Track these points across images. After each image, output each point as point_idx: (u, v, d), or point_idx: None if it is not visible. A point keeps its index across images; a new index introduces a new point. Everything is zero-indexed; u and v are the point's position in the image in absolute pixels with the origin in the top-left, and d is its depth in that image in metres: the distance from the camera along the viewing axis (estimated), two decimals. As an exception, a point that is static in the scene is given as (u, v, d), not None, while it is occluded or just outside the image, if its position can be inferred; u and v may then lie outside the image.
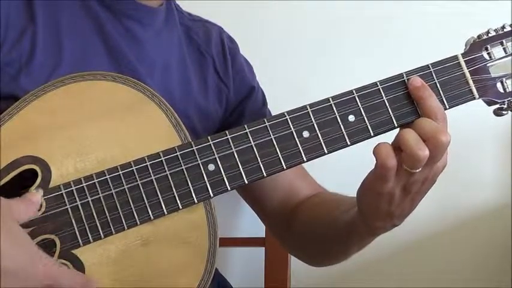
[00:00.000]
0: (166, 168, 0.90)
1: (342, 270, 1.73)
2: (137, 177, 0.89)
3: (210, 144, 0.91)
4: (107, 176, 0.89)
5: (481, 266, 1.85)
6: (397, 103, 0.95)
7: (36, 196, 0.86)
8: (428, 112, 0.92)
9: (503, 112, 1.00)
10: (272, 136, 0.92)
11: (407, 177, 0.91)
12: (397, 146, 0.90)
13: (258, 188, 1.19)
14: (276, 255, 1.70)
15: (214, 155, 0.91)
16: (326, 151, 0.93)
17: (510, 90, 0.99)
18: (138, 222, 0.89)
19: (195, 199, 0.91)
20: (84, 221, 0.88)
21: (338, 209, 1.08)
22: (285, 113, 0.93)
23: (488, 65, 0.98)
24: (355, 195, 0.98)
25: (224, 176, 0.91)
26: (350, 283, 1.87)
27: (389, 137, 0.94)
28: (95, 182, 0.88)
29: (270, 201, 1.20)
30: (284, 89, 1.76)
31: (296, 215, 1.17)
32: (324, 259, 1.17)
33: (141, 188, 0.89)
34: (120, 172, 0.89)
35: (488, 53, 0.99)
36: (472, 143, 1.80)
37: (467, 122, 1.59)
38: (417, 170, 0.90)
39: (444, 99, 0.96)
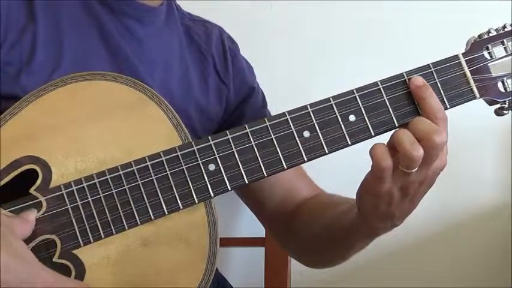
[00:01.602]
0: (166, 168, 0.90)
1: (342, 270, 1.73)
2: (138, 177, 0.89)
3: (210, 144, 0.91)
4: (108, 176, 0.89)
5: (481, 266, 1.85)
6: (398, 103, 0.95)
7: (31, 215, 0.85)
8: (428, 112, 0.92)
9: (504, 112, 1.00)
10: (273, 136, 0.92)
11: (404, 177, 0.91)
12: (393, 146, 0.90)
13: (257, 190, 1.19)
14: (276, 255, 1.70)
15: (214, 155, 0.91)
16: (327, 151, 0.93)
17: (511, 89, 0.99)
18: (139, 222, 0.89)
19: (195, 199, 0.90)
20: (85, 221, 0.88)
21: (338, 211, 1.08)
22: (286, 113, 0.93)
23: (489, 64, 0.98)
24: (355, 196, 0.98)
25: (225, 176, 0.91)
26: (350, 283, 1.87)
27: (389, 137, 0.94)
28: (95, 182, 0.88)
29: (269, 203, 1.20)
30: (284, 89, 1.76)
31: (295, 217, 1.17)
32: (324, 261, 1.17)
33: (142, 188, 0.89)
34: (121, 172, 0.89)
35: (489, 53, 0.99)
36: (472, 143, 1.80)
37: (467, 122, 1.59)
38: (413, 170, 0.90)
39: (445, 98, 0.96)
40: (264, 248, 1.73)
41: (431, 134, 0.89)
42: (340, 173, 1.70)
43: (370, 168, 0.93)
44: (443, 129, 0.91)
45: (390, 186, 0.91)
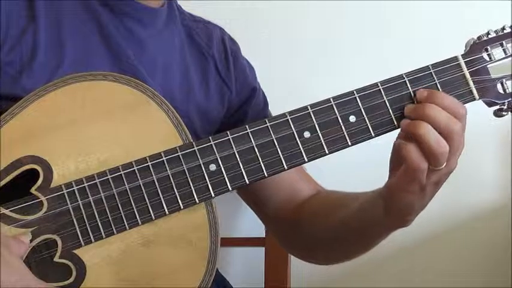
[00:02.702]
0: (167, 168, 0.90)
1: (342, 270, 1.74)
2: (139, 177, 0.89)
3: (211, 144, 0.91)
4: (108, 176, 0.89)
5: (481, 266, 1.85)
6: (398, 103, 0.95)
7: (25, 238, 0.86)
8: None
9: (503, 113, 1.00)
10: (273, 136, 0.92)
11: (435, 173, 0.93)
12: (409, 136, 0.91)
13: (259, 189, 1.19)
14: (276, 255, 1.70)
15: (215, 155, 0.91)
16: (327, 151, 0.93)
17: (510, 91, 0.99)
18: (140, 222, 0.89)
19: (196, 199, 0.91)
20: (86, 221, 0.88)
21: (353, 208, 1.06)
22: (286, 114, 0.93)
23: (488, 66, 0.98)
24: (380, 197, 0.98)
25: (225, 176, 0.91)
26: (350, 283, 1.87)
27: (390, 137, 0.95)
28: (96, 182, 0.88)
29: (271, 202, 1.20)
30: (284, 89, 1.77)
31: (299, 215, 1.16)
32: (341, 256, 1.16)
33: (143, 188, 0.89)
34: (122, 172, 0.89)
35: (488, 54, 0.99)
36: (472, 143, 1.79)
37: (467, 122, 1.59)
38: (443, 166, 0.92)
39: (445, 99, 0.96)
40: (264, 248, 1.73)
41: (451, 123, 0.92)
42: (340, 172, 1.70)
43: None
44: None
45: (425, 184, 0.93)
